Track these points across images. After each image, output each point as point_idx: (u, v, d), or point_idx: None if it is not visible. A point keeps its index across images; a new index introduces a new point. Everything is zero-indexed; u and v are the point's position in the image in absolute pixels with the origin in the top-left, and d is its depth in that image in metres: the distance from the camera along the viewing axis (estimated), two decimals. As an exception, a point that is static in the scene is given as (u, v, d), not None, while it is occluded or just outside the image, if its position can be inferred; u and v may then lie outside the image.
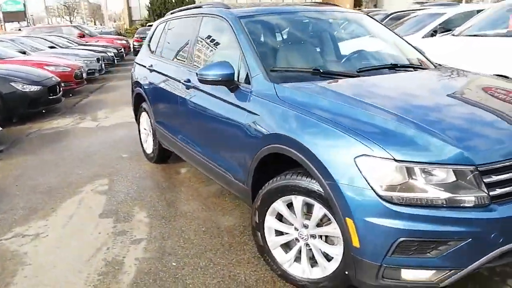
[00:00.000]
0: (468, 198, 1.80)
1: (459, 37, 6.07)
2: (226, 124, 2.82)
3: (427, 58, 3.27)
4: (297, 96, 2.41)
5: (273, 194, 2.36)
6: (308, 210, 2.28)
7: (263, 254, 2.54)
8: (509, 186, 1.87)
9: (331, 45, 3.31)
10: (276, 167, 2.46)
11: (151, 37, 4.80)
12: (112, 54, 15.31)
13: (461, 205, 1.81)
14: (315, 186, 2.14)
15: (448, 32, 7.32)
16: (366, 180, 1.87)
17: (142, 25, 29.33)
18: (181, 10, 4.35)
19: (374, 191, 1.85)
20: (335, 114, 2.16)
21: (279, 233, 2.45)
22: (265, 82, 2.60)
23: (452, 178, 1.82)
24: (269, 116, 2.44)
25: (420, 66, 3.04)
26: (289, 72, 2.82)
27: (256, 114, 2.52)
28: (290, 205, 2.34)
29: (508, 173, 1.88)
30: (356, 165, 1.90)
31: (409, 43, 3.45)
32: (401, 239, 1.81)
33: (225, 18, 3.13)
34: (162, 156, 4.55)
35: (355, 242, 1.92)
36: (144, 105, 4.62)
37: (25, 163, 4.96)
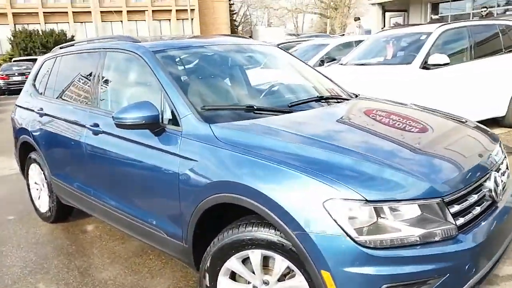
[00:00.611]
0: (438, 231, 1.73)
1: (347, 66, 6.50)
2: (152, 173, 2.43)
3: (342, 88, 3.29)
4: (240, 137, 2.15)
5: (225, 251, 2.04)
6: (266, 264, 2.00)
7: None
8: (468, 214, 1.87)
9: (251, 79, 3.15)
10: (221, 219, 2.16)
11: (36, 74, 4.12)
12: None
13: (434, 239, 1.73)
14: (274, 237, 1.89)
15: (333, 61, 7.87)
16: (339, 226, 1.69)
17: (5, 60, 26.19)
18: (73, 45, 3.82)
19: (350, 237, 1.67)
20: (289, 154, 1.95)
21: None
22: (198, 123, 2.29)
23: (418, 212, 1.74)
24: (211, 161, 2.13)
25: (343, 97, 3.03)
26: (220, 110, 2.55)
27: (193, 160, 2.19)
28: (244, 260, 2.04)
29: (466, 200, 1.89)
30: (326, 209, 1.70)
31: (322, 74, 3.46)
32: (384, 286, 1.66)
33: (137, 53, 2.76)
34: (62, 213, 3.85)
35: (335, 297, 1.71)
36: (33, 155, 3.91)
37: None
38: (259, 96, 3.06)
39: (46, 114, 3.58)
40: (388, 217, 1.71)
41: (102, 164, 2.87)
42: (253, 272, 2.01)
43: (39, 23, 35.19)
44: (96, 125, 2.88)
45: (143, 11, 41.02)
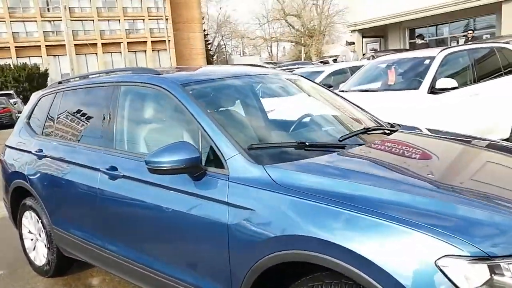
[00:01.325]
0: None
1: (349, 93, 6.34)
2: (192, 224, 2.07)
3: (377, 118, 3.05)
4: (306, 181, 1.83)
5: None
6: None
7: None
8: None
9: (292, 112, 2.86)
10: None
11: (31, 113, 3.72)
12: None
13: None
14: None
15: (331, 88, 7.75)
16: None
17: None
18: (73, 78, 3.48)
19: None
20: (379, 202, 1.63)
21: None
22: (248, 164, 1.96)
23: None
24: (272, 211, 1.79)
25: (389, 128, 2.74)
26: (270, 148, 2.24)
27: (248, 209, 1.85)
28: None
29: None
30: (441, 270, 1.40)
31: (354, 104, 3.22)
32: None
33: (162, 87, 2.43)
34: (62, 266, 3.39)
35: None
36: (29, 201, 3.47)
37: None
38: (307, 130, 2.73)
39: (46, 156, 3.18)
40: (505, 273, 1.41)
41: (122, 214, 2.49)
42: None
43: (11, 57, 34.38)
44: (114, 168, 2.51)
45: (118, 43, 40.80)
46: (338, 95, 3.37)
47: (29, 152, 3.39)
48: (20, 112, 19.14)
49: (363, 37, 20.44)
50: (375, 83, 6.44)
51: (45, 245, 3.39)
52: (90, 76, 3.38)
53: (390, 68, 6.23)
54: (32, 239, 3.61)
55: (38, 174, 3.24)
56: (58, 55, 37.25)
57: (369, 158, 2.19)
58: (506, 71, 6.19)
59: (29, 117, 3.70)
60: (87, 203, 2.74)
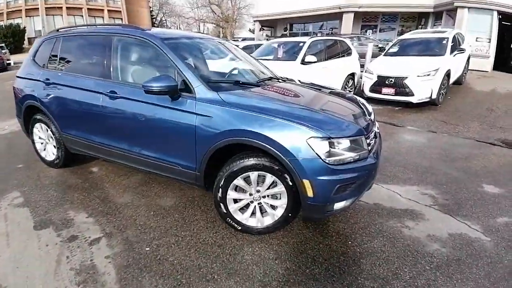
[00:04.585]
0: (362, 154, 1.97)
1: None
2: (172, 126, 2.22)
3: (276, 74, 3.36)
4: (240, 101, 2.11)
5: (236, 173, 2.05)
6: (258, 180, 2.08)
7: (226, 219, 2.20)
8: (370, 145, 2.09)
9: (230, 63, 3.04)
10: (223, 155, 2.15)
11: (36, 52, 3.27)
12: None
13: (360, 158, 1.95)
14: (267, 163, 1.99)
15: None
16: (316, 153, 1.86)
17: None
18: (72, 28, 3.16)
19: (321, 159, 1.85)
20: (279, 111, 1.97)
21: (235, 201, 2.19)
22: (208, 91, 2.17)
23: (348, 144, 1.92)
24: (223, 117, 2.04)
25: (282, 78, 3.05)
26: (220, 83, 2.42)
27: (208, 116, 2.10)
28: (245, 179, 2.10)
29: (369, 137, 2.11)
30: (308, 144, 1.87)
31: (262, 63, 3.46)
32: (338, 185, 1.89)
33: (148, 40, 2.42)
34: (69, 160, 3.28)
35: (310, 194, 1.90)
36: (39, 116, 3.19)
37: None
38: (241, 74, 2.90)
39: (54, 83, 2.94)
40: (336, 147, 1.88)
41: (122, 121, 2.48)
42: (252, 185, 2.10)
43: (3, 20, 28.76)
44: (113, 92, 2.51)
45: (80, 8, 34.14)
46: (254, 57, 3.59)
47: (38, 80, 3.07)
48: (8, 60, 16.15)
49: (261, 26, 20.28)
50: (270, 55, 6.69)
51: (54, 146, 3.24)
52: (87, 27, 3.10)
53: (279, 47, 6.55)
54: (42, 143, 3.38)
55: (47, 96, 2.96)
56: (33, 16, 30.80)
57: (272, 91, 2.47)
58: (342, 54, 6.89)
59: (34, 56, 3.25)
60: (91, 116, 2.66)
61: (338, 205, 1.98)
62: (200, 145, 2.15)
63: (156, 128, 2.32)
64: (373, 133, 2.22)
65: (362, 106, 2.48)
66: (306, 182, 1.88)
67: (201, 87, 2.19)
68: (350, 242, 2.19)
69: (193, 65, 2.46)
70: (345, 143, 1.92)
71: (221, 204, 2.17)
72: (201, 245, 2.12)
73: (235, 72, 2.95)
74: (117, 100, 2.49)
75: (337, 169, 1.87)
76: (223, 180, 2.10)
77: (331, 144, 1.87)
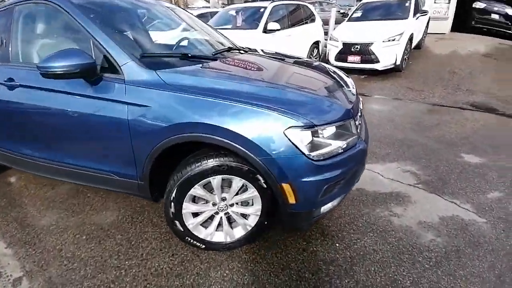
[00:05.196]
0: (352, 141, 1.54)
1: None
2: (96, 122, 1.60)
3: (236, 44, 2.79)
4: (188, 81, 1.54)
5: (191, 181, 1.53)
6: (222, 185, 1.60)
7: (184, 238, 1.70)
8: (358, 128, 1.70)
9: (182, 34, 2.35)
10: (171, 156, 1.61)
11: None
12: None
13: (350, 147, 1.53)
14: (233, 163, 1.51)
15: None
16: (297, 148, 1.39)
17: None
18: None
19: (305, 155, 1.40)
20: (241, 93, 1.46)
21: (196, 214, 1.69)
22: (142, 69, 1.56)
23: (334, 130, 1.50)
24: (166, 105, 1.48)
25: (244, 50, 2.49)
26: (160, 57, 1.79)
27: (144, 106, 1.51)
28: (204, 186, 1.60)
29: (357, 120, 1.70)
30: (287, 136, 1.39)
31: (222, 34, 2.85)
32: (326, 185, 1.48)
33: (52, 3, 1.70)
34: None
35: (292, 200, 1.47)
36: None
37: None
38: (188, 46, 2.28)
39: None
40: (320, 136, 1.44)
41: (27, 119, 1.80)
42: (215, 193, 1.62)
43: None
44: (11, 79, 1.77)
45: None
46: (209, 25, 2.95)
47: None
48: None
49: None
50: (228, 25, 5.98)
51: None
52: None
53: (238, 14, 5.83)
54: None
55: None
56: None
57: (232, 65, 1.94)
58: (305, 21, 6.42)
59: None
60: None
61: (325, 208, 1.59)
62: (138, 146, 1.58)
63: (74, 126, 1.69)
64: (360, 112, 1.80)
65: (345, 80, 2.04)
66: (286, 186, 1.43)
67: (131, 64, 1.56)
68: (338, 245, 1.84)
69: (119, 35, 1.78)
70: (331, 129, 1.48)
71: (176, 222, 1.66)
72: (152, 278, 1.61)
73: (184, 43, 2.33)
74: (16, 90, 1.76)
75: (323, 165, 1.44)
76: (175, 190, 1.57)
77: (314, 133, 1.42)
